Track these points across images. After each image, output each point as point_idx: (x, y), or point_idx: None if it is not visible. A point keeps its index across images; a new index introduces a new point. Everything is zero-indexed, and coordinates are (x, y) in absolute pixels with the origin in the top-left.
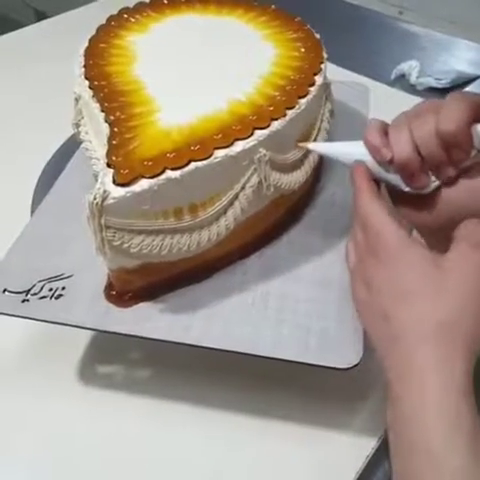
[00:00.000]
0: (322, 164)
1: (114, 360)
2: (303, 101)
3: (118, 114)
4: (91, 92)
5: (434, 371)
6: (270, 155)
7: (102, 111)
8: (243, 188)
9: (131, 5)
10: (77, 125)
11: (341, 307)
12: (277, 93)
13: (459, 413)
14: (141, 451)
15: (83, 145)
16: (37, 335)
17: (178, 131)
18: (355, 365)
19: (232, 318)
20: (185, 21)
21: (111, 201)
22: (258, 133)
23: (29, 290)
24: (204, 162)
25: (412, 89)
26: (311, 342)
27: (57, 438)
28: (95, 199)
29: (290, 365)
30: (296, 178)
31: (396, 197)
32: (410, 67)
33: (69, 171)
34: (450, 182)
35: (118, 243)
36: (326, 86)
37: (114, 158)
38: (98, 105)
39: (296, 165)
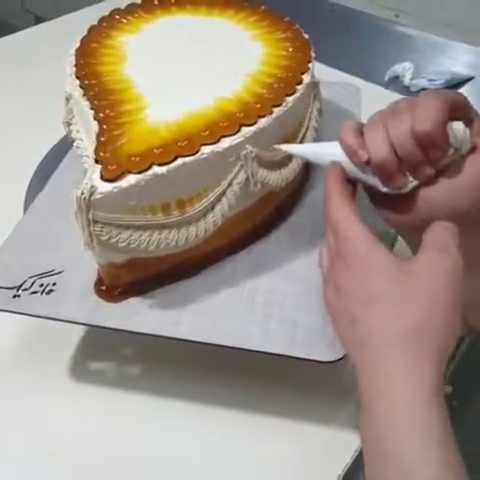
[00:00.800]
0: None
1: (106, 356)
2: (290, 99)
3: (107, 112)
4: (81, 91)
5: (403, 378)
6: (257, 152)
7: (92, 109)
8: (230, 184)
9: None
10: (68, 124)
11: None
12: (265, 91)
13: (430, 421)
14: (134, 447)
15: (74, 144)
16: (28, 331)
17: (166, 128)
18: (340, 358)
19: (220, 313)
20: (176, 22)
21: (98, 196)
22: (245, 130)
23: (20, 286)
24: (191, 158)
25: (406, 90)
26: (298, 336)
27: (48, 434)
28: (83, 194)
29: (280, 360)
30: (284, 175)
31: (374, 197)
32: (404, 69)
33: (62, 170)
34: (429, 181)
35: (106, 238)
36: (314, 85)
37: (102, 154)
38: (88, 103)
39: (284, 163)
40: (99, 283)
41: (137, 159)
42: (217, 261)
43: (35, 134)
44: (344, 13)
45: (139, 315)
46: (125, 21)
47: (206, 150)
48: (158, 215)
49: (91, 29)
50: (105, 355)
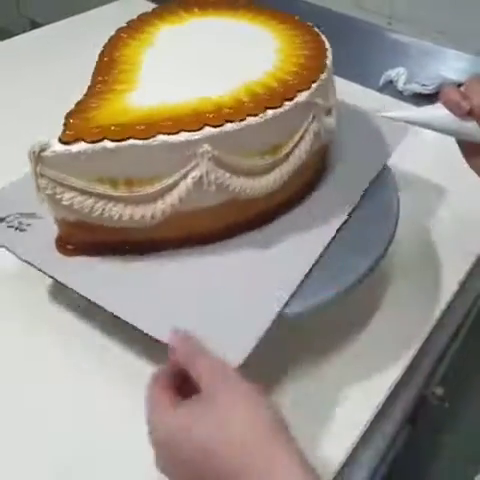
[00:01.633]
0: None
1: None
2: (269, 112)
3: (99, 86)
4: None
5: None
6: (217, 153)
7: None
8: (184, 178)
9: (123, 14)
10: None
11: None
12: (246, 99)
13: None
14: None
15: None
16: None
17: (137, 111)
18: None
19: (152, 295)
20: (203, 23)
21: (48, 154)
22: (207, 130)
23: (4, 218)
24: (142, 141)
25: (399, 95)
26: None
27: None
28: (33, 148)
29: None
30: (248, 185)
31: (468, 150)
32: (397, 74)
33: None
34: None
35: (50, 193)
36: (313, 106)
37: (71, 120)
38: (92, 75)
39: (255, 172)
40: (58, 236)
41: (94, 130)
42: (179, 247)
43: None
44: (338, 20)
45: (83, 275)
46: (166, 14)
47: (160, 138)
48: (105, 187)
49: (129, 22)
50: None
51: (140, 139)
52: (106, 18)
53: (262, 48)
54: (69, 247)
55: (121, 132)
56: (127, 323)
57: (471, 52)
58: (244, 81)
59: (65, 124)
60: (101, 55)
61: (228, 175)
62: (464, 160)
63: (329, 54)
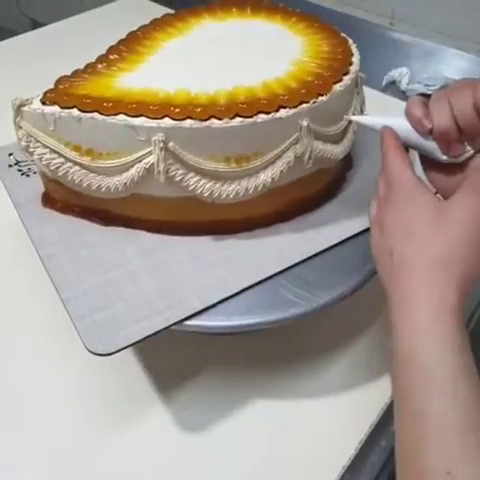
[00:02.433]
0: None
1: None
2: (236, 120)
3: (103, 64)
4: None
5: (426, 296)
6: (172, 145)
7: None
8: (139, 161)
9: (125, 14)
10: None
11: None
12: (223, 101)
13: (449, 333)
14: None
15: None
16: None
17: (119, 90)
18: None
19: (89, 266)
20: (243, 24)
21: (26, 109)
22: (166, 120)
23: (19, 162)
24: (103, 117)
25: (402, 95)
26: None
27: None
28: (15, 101)
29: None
30: (209, 187)
31: (428, 165)
32: (400, 74)
33: None
34: None
35: (25, 144)
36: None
37: (60, 86)
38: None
39: (219, 178)
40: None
41: (68, 98)
42: (139, 228)
43: None
44: (341, 20)
45: (42, 228)
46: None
47: (120, 118)
48: (71, 151)
49: (164, 16)
50: None
51: (103, 115)
52: (108, 17)
53: (282, 56)
54: (50, 201)
55: (90, 104)
56: None
57: (474, 52)
58: (235, 85)
59: (53, 86)
60: (130, 33)
61: (182, 171)
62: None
63: (347, 79)
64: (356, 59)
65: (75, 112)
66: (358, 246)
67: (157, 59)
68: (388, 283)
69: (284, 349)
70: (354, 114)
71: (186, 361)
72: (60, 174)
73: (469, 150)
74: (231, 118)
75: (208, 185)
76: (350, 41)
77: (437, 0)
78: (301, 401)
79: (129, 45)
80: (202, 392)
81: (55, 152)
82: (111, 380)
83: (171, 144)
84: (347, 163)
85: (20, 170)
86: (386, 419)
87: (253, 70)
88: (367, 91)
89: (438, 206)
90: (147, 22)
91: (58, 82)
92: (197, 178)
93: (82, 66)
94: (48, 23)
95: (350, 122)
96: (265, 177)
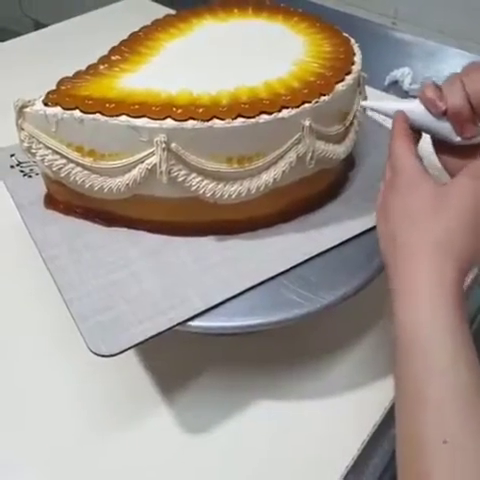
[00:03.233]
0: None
1: None
2: (239, 120)
3: (105, 64)
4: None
5: (426, 277)
6: (174, 146)
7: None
8: (141, 162)
9: (128, 14)
10: None
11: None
12: (225, 102)
13: (449, 314)
14: None
15: None
16: None
17: (121, 91)
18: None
19: (90, 267)
20: (244, 24)
21: (28, 110)
22: (168, 121)
23: (21, 163)
24: (106, 118)
25: (405, 95)
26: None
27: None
28: (17, 102)
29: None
30: (211, 188)
31: (440, 147)
32: (403, 74)
33: None
34: None
35: (27, 145)
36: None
37: (63, 87)
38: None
39: (221, 178)
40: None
41: (69, 99)
42: (142, 229)
43: None
44: (343, 20)
45: (45, 230)
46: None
47: (123, 119)
48: (73, 152)
49: (166, 16)
50: None
51: (105, 115)
52: (110, 18)
53: (284, 56)
54: (52, 202)
55: (92, 105)
56: None
57: (476, 52)
58: (237, 85)
59: (55, 88)
60: (132, 34)
61: (184, 171)
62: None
63: (349, 79)
64: (358, 59)
65: (77, 113)
66: (361, 246)
67: (159, 60)
68: (391, 266)
69: (286, 350)
70: (357, 113)
71: (188, 362)
72: (62, 175)
73: None
74: (233, 118)
75: (210, 186)
76: (352, 41)
77: (439, 0)
78: (304, 402)
79: (131, 46)
80: (205, 393)
81: (57, 153)
82: (114, 381)
83: (173, 145)
84: (349, 163)
85: (22, 171)
86: (389, 420)
87: (255, 70)
88: (369, 91)
89: (438, 191)
90: (149, 23)
91: (60, 83)
92: (199, 179)
93: (84, 67)
94: (50, 24)
95: (352, 120)
96: (267, 177)
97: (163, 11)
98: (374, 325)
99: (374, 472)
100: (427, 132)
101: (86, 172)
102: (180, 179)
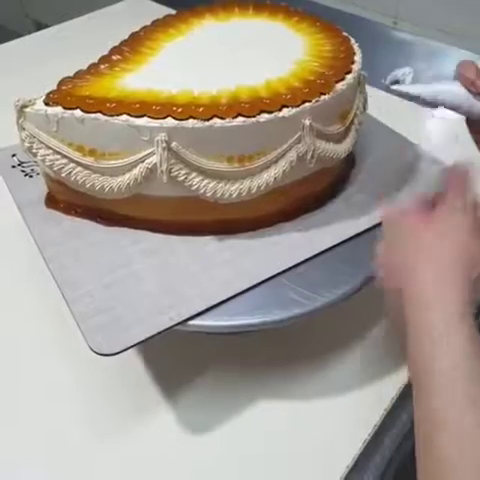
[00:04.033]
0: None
1: None
2: (239, 119)
3: (105, 64)
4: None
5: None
6: (174, 145)
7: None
8: (142, 161)
9: (129, 15)
10: None
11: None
12: (224, 101)
13: (459, 335)
14: None
15: None
16: None
17: (122, 91)
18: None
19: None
20: (245, 23)
21: (29, 110)
22: (169, 120)
23: (22, 163)
24: (106, 117)
25: (406, 94)
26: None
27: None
28: (18, 102)
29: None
30: (211, 187)
31: (476, 128)
32: (404, 73)
33: None
34: None
35: (28, 145)
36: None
37: (63, 87)
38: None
39: (222, 177)
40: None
41: (70, 98)
42: (145, 228)
43: None
44: (344, 19)
45: (45, 228)
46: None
47: (124, 118)
48: (74, 151)
49: (167, 16)
50: None
51: (106, 115)
52: (111, 19)
53: (284, 56)
54: (54, 202)
55: (93, 105)
56: None
57: (478, 51)
58: (238, 84)
59: (56, 88)
60: (132, 34)
61: (185, 171)
62: None
63: (349, 77)
64: (358, 58)
65: (78, 113)
66: (361, 245)
67: (159, 60)
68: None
69: (286, 350)
70: (357, 112)
71: (188, 361)
72: (63, 175)
73: None
74: (233, 117)
75: (211, 185)
76: (352, 40)
77: None
78: (304, 401)
79: (131, 46)
80: (204, 392)
81: (58, 153)
82: (114, 380)
83: (174, 144)
84: (350, 162)
85: (23, 171)
86: (389, 419)
87: (255, 69)
88: (371, 90)
89: (419, 230)
90: (149, 23)
91: (61, 83)
92: (200, 178)
93: (85, 67)
94: (52, 24)
95: (353, 119)
96: (268, 177)
97: (165, 12)
98: (374, 325)
99: (375, 471)
100: (463, 113)
101: (87, 172)
102: (180, 178)
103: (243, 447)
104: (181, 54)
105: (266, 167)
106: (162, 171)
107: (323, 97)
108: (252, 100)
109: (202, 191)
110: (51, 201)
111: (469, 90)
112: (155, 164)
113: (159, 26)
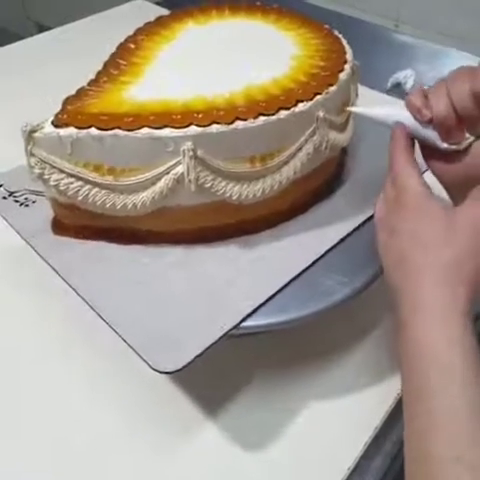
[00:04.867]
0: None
1: None
2: (261, 119)
3: (105, 78)
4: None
5: (439, 300)
6: (201, 153)
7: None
8: (167, 173)
9: (130, 17)
10: None
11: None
12: (242, 102)
13: (459, 334)
14: None
15: None
16: None
17: (132, 103)
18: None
19: (119, 286)
20: (236, 25)
21: (39, 134)
22: (192, 128)
23: (13, 193)
24: (126, 133)
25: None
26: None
27: None
28: (26, 128)
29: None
30: (237, 190)
31: (428, 154)
32: (405, 76)
33: None
34: None
35: (39, 171)
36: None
37: (68, 105)
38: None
39: (245, 179)
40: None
41: (82, 117)
42: (168, 242)
43: None
44: (346, 22)
45: (61, 255)
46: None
47: (145, 131)
48: (91, 172)
49: (159, 18)
50: None
51: (125, 130)
52: (113, 21)
53: (279, 53)
54: (62, 227)
55: (108, 121)
56: None
57: (479, 54)
58: (246, 85)
59: (61, 108)
60: (120, 46)
61: (211, 177)
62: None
63: (347, 68)
64: (349, 52)
65: (94, 131)
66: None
67: (156, 68)
68: (399, 286)
69: (286, 351)
70: (354, 101)
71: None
72: (80, 198)
73: (469, 137)
74: (255, 118)
75: (236, 188)
76: (335, 32)
77: (442, 2)
78: (305, 403)
79: (125, 57)
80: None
81: (73, 176)
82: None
83: (199, 151)
84: (344, 150)
85: (17, 201)
86: (391, 422)
87: (256, 69)
88: (372, 93)
89: (447, 217)
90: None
91: (66, 103)
92: (225, 182)
93: (87, 69)
94: (54, 27)
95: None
96: (288, 171)
97: (165, 14)
98: (375, 327)
99: (376, 474)
100: (414, 137)
101: (105, 191)
102: (207, 185)
103: (242, 448)
104: (176, 61)
105: (285, 162)
106: (190, 180)
107: (331, 88)
108: (267, 99)
109: (228, 195)
110: (59, 227)
111: (416, 119)
112: (182, 174)
113: (144, 34)
